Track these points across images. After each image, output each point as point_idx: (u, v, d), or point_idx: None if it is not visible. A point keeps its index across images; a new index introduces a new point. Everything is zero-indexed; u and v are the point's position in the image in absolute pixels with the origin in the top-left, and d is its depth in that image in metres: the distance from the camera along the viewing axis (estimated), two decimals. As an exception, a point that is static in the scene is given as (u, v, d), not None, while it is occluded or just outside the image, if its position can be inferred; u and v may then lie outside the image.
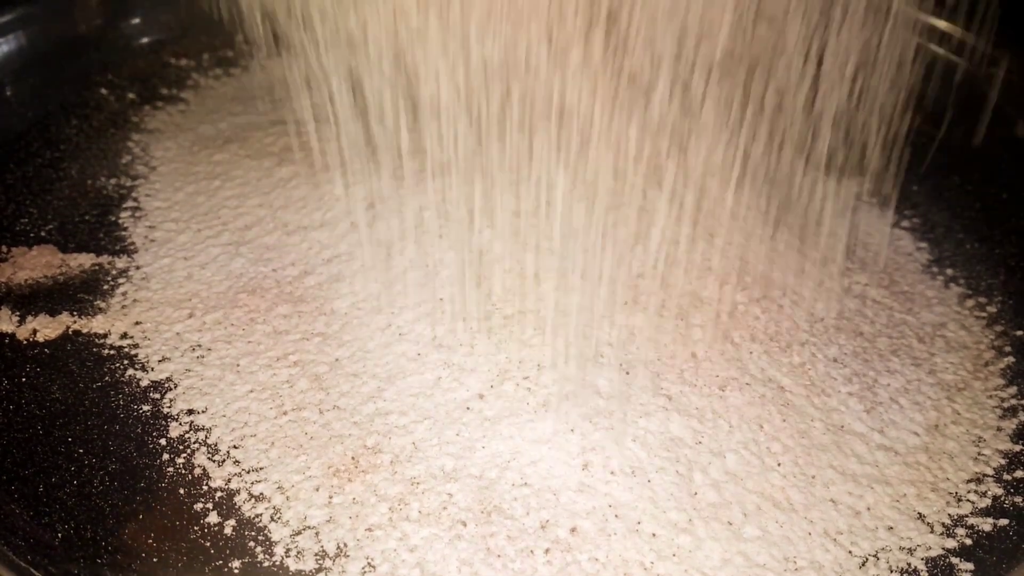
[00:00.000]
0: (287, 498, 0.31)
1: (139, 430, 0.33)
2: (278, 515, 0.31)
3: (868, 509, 0.32)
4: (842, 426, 0.35)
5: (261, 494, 0.31)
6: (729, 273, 0.38)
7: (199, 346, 0.36)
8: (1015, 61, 0.49)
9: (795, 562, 0.30)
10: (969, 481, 0.34)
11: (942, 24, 0.53)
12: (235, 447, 0.33)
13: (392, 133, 0.35)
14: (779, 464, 0.33)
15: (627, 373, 0.34)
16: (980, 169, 0.49)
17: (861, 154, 0.52)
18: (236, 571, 0.29)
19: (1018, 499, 0.33)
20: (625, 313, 0.36)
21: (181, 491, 0.31)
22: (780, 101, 0.40)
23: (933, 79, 0.52)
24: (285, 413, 0.34)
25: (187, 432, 0.33)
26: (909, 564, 0.31)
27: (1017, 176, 0.47)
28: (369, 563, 0.29)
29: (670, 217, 0.38)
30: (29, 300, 0.38)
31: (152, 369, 0.35)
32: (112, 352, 0.36)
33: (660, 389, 0.34)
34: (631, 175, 0.38)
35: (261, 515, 0.31)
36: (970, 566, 0.31)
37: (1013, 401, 0.37)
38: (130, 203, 0.44)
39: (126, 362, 0.36)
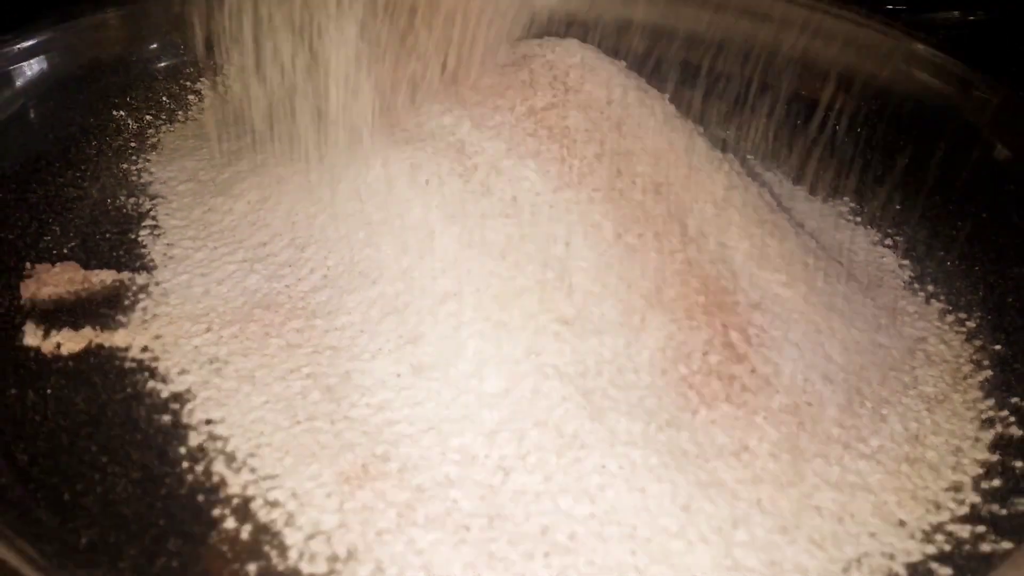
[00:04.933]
0: (300, 504, 0.32)
1: (160, 440, 0.35)
2: (292, 520, 0.32)
3: (851, 516, 0.34)
4: (827, 436, 0.36)
5: (276, 500, 0.33)
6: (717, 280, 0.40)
7: (216, 359, 0.38)
8: (995, 86, 0.52)
9: (781, 566, 0.32)
10: (948, 489, 0.35)
11: (927, 51, 0.55)
12: (251, 455, 0.34)
13: None
14: (766, 473, 0.34)
15: (624, 382, 0.36)
16: (961, 189, 0.50)
17: (846, 174, 0.54)
18: (252, 574, 0.31)
19: (994, 506, 0.34)
20: (632, 328, 0.37)
21: (200, 498, 0.33)
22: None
23: (918, 104, 0.54)
24: (299, 423, 0.35)
25: (205, 441, 0.35)
26: (890, 569, 0.32)
27: (996, 196, 0.49)
28: (378, 566, 0.31)
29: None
30: (53, 315, 0.40)
31: (172, 381, 0.37)
32: (133, 365, 0.38)
33: (654, 398, 0.35)
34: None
35: (276, 520, 0.32)
36: (948, 571, 0.32)
37: (991, 413, 0.39)
38: (149, 222, 0.46)
39: (147, 374, 0.37)
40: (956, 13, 0.66)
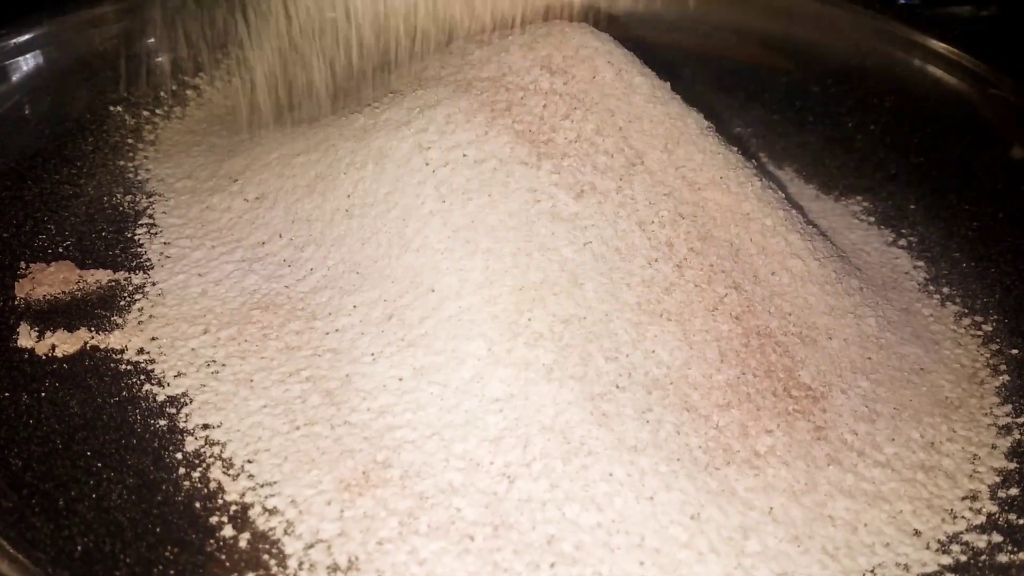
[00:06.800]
0: (300, 512, 0.32)
1: (156, 444, 0.34)
2: (291, 528, 0.31)
3: (865, 525, 0.33)
4: (841, 443, 0.36)
5: (275, 508, 0.32)
6: (728, 284, 0.39)
7: (214, 362, 0.37)
8: (1013, 83, 0.51)
9: (794, 577, 0.31)
10: (964, 498, 0.35)
11: (942, 47, 0.54)
12: (249, 461, 0.33)
13: None
14: (779, 480, 0.33)
15: (631, 387, 0.35)
16: (977, 188, 0.50)
17: (860, 173, 0.53)
18: (250, 584, 0.30)
19: (1012, 516, 0.34)
20: (639, 331, 0.36)
21: (197, 505, 0.32)
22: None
23: (932, 100, 0.53)
24: (298, 428, 0.34)
25: (202, 446, 0.34)
26: (905, 580, 0.31)
27: (1013, 196, 0.48)
28: (380, 576, 0.30)
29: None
30: (48, 316, 0.39)
31: (168, 384, 0.36)
32: (129, 367, 0.37)
33: (663, 403, 0.35)
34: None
35: (275, 528, 0.31)
36: (964, 582, 0.31)
37: (1008, 419, 0.38)
38: (145, 220, 0.45)
39: (143, 377, 0.37)
40: (968, 8, 0.65)
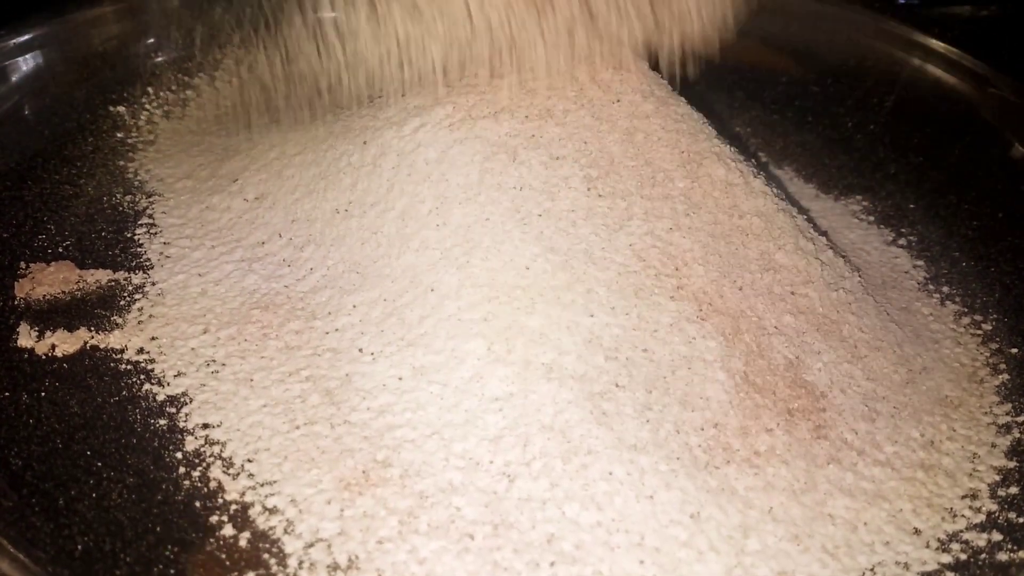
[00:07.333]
0: (300, 511, 0.32)
1: (156, 444, 0.34)
2: (291, 528, 0.31)
3: (865, 524, 0.33)
4: (842, 441, 0.36)
5: (275, 507, 0.32)
6: (724, 286, 0.39)
7: (214, 361, 0.37)
8: (1013, 84, 0.51)
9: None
10: (964, 497, 0.35)
11: (941, 47, 0.54)
12: (249, 461, 0.33)
13: None
14: (779, 479, 0.33)
15: (631, 386, 0.35)
16: (976, 188, 0.50)
17: (860, 172, 0.53)
18: (251, 583, 0.30)
19: (1012, 515, 0.34)
20: (639, 330, 0.36)
21: (197, 504, 0.32)
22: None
23: (932, 100, 0.54)
24: (298, 427, 0.34)
25: (202, 446, 0.34)
26: (905, 578, 0.31)
27: (1013, 196, 0.48)
28: (380, 575, 0.30)
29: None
30: (47, 315, 0.39)
31: (168, 384, 0.36)
32: (129, 367, 0.37)
33: (663, 403, 0.35)
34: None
35: (275, 528, 0.31)
36: (964, 580, 0.31)
37: (1007, 418, 0.38)
38: (145, 220, 0.45)
39: (143, 377, 0.37)
40: (968, 8, 0.65)
